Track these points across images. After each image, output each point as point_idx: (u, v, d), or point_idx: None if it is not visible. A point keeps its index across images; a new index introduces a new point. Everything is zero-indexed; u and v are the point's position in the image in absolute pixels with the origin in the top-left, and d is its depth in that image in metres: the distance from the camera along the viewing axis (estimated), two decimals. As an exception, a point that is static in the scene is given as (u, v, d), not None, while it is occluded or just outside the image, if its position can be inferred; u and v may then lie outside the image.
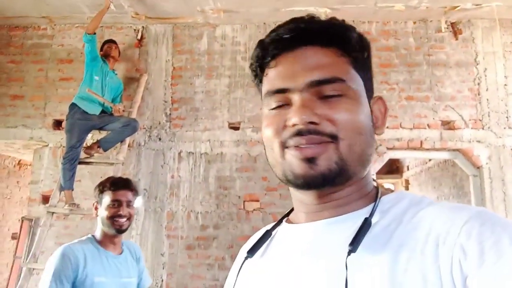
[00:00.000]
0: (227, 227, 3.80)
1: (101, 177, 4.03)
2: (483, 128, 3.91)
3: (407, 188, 6.29)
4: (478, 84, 4.02)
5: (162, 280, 3.74)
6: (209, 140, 4.05)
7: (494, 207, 3.73)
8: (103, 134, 3.87)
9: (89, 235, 1.90)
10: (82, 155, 3.67)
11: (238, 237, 3.67)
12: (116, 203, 1.84)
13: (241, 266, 0.66)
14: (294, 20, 0.60)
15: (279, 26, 0.61)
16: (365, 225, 0.54)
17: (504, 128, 3.90)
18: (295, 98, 0.57)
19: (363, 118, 0.58)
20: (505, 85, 3.99)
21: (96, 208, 1.90)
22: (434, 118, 3.97)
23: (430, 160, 5.15)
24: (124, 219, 1.84)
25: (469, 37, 4.13)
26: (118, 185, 1.88)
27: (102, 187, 1.90)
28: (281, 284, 0.58)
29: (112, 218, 1.83)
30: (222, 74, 4.24)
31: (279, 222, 0.70)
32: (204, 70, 4.27)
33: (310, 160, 0.55)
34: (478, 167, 3.85)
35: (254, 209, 3.79)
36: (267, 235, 0.68)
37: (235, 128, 4.09)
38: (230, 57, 4.28)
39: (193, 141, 4.06)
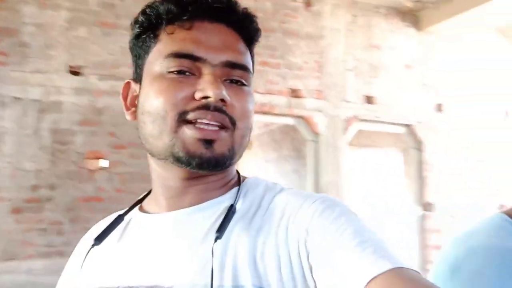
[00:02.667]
0: (65, 187, 3.33)
1: None
2: (323, 99, 4.30)
3: (249, 148, 6.63)
4: (323, 57, 4.36)
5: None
6: (43, 85, 3.40)
7: (326, 170, 4.21)
8: None
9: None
10: None
11: (79, 199, 3.26)
12: None
13: (87, 254, 0.60)
14: None
15: None
16: (230, 212, 0.55)
17: (340, 100, 4.37)
18: (208, 71, 0.56)
19: (253, 112, 0.60)
20: (344, 61, 4.44)
21: None
22: (284, 85, 4.18)
23: (273, 123, 5.49)
24: None
25: (318, 11, 4.41)
26: None
27: None
28: (137, 275, 0.56)
29: None
30: (60, 5, 3.55)
31: (132, 208, 0.66)
32: (36, -3, 3.50)
33: (207, 142, 0.55)
34: (316, 134, 4.25)
35: (98, 168, 3.40)
36: (118, 220, 0.64)
37: (76, 73, 3.53)
38: (71, -14, 3.60)
39: (21, 85, 3.35)
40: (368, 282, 0.44)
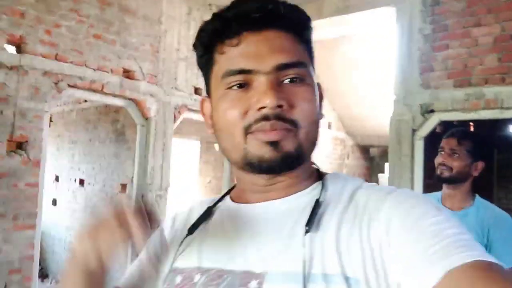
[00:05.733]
0: None
1: None
2: (156, 84, 4.28)
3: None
4: (159, 42, 4.33)
5: None
6: None
7: (155, 155, 4.22)
8: None
9: None
10: None
11: None
12: (441, 151, 1.88)
13: (181, 243, 0.65)
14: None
15: (240, 4, 0.59)
16: (317, 205, 0.58)
17: (172, 87, 4.43)
18: (261, 80, 0.57)
19: (317, 107, 0.61)
20: (178, 50, 4.51)
21: None
22: (118, 64, 3.96)
23: (85, 101, 5.03)
24: (443, 167, 1.82)
25: (156, -5, 4.35)
26: (447, 133, 1.90)
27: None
28: (231, 259, 0.59)
29: (437, 166, 1.85)
30: None
31: (220, 199, 0.70)
32: None
33: (273, 143, 0.57)
34: (147, 118, 4.19)
35: None
36: (208, 211, 0.67)
37: None
38: None
39: None
40: (445, 274, 0.45)
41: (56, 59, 3.54)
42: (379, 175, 6.83)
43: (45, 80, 3.47)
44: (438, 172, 1.84)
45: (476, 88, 3.45)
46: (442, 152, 1.85)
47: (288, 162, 0.58)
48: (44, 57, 3.46)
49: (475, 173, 1.81)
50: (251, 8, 0.58)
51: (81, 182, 5.28)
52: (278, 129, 0.56)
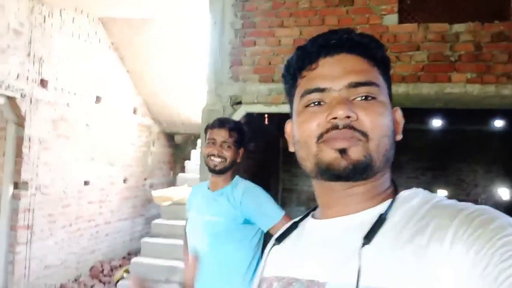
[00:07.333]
0: None
1: None
2: None
3: None
4: None
5: None
6: None
7: None
8: None
9: None
10: None
11: None
12: (211, 142, 1.95)
13: (269, 252, 0.75)
14: (335, 31, 0.69)
15: (320, 36, 0.69)
16: (379, 221, 0.61)
17: None
18: (333, 96, 0.65)
19: (389, 122, 0.66)
20: None
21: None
22: None
23: None
24: (218, 159, 1.92)
25: None
26: (215, 123, 1.99)
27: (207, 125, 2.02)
28: (301, 269, 0.67)
29: (208, 157, 1.93)
30: None
31: (306, 216, 0.77)
32: None
33: (341, 151, 0.62)
34: None
35: None
36: (294, 226, 0.76)
37: None
38: None
39: None
40: None
41: None
42: (186, 162, 6.88)
43: None
44: (211, 164, 1.94)
45: (278, 84, 3.77)
46: (213, 143, 1.95)
47: (357, 169, 0.62)
48: None
49: (239, 159, 2.00)
50: (328, 37, 0.67)
51: None
52: (348, 137, 0.61)
